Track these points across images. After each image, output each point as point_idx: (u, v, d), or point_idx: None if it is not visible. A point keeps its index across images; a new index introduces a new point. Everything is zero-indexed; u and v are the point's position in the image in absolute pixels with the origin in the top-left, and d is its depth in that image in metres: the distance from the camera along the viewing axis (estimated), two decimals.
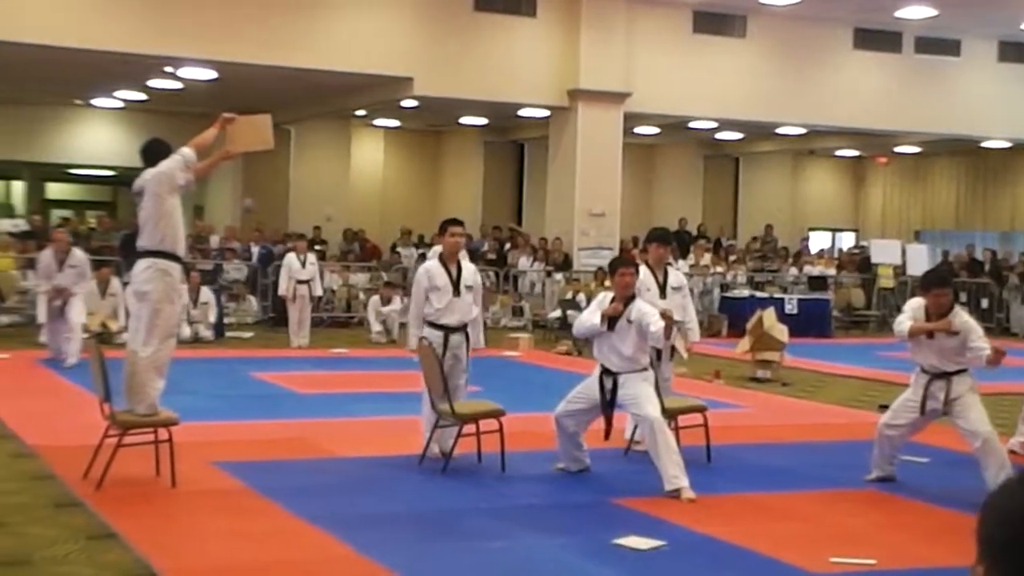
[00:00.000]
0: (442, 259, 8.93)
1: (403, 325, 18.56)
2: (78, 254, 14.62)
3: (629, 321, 8.09)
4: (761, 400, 13.07)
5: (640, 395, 8.03)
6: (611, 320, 8.14)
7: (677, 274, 9.76)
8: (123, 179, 28.78)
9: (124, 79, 22.96)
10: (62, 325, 14.11)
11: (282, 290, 17.32)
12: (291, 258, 17.38)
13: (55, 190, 31.34)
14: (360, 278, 22.16)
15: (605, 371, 8.19)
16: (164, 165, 8.03)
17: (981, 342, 7.95)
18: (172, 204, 8.02)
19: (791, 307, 20.64)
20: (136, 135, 26.01)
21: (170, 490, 7.47)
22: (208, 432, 9.39)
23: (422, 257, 23.06)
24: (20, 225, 22.68)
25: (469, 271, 8.92)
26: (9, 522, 6.62)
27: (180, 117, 25.50)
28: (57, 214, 27.68)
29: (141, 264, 8.01)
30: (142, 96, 25.01)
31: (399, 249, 24.34)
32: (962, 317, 8.10)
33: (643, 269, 9.03)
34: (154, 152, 8.17)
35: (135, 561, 5.92)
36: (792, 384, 14.33)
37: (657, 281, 9.33)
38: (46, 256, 14.50)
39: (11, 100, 26.28)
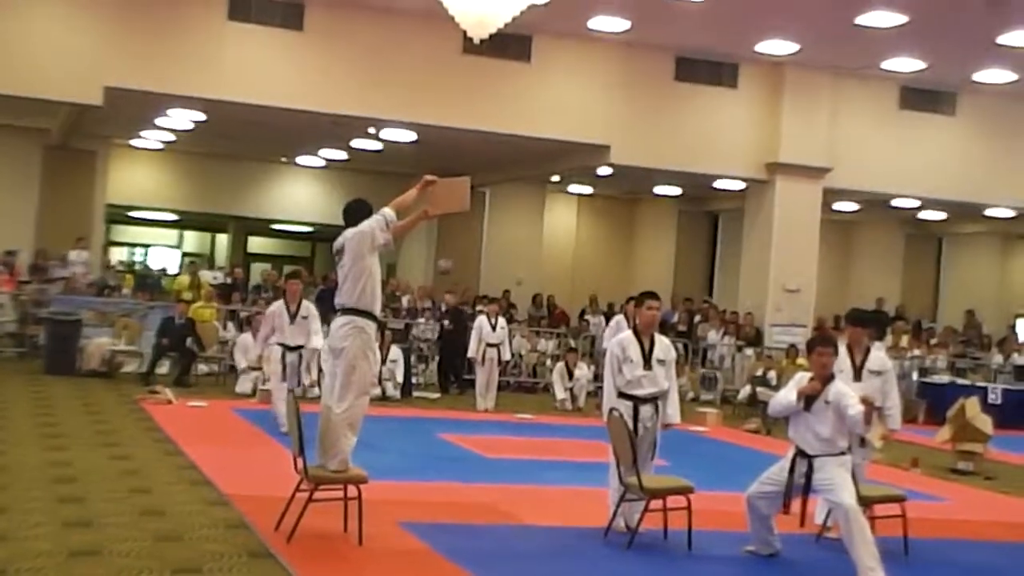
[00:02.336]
0: (636, 331, 8.90)
1: (590, 393, 18.74)
2: (309, 306, 13.50)
3: (827, 402, 7.91)
4: (963, 494, 12.54)
5: (836, 480, 7.81)
6: (808, 400, 7.96)
7: (880, 357, 9.41)
8: (320, 235, 29.77)
9: (329, 139, 23.83)
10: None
11: (472, 352, 17.53)
12: (482, 320, 17.58)
13: (256, 244, 32.58)
14: (549, 344, 22.22)
15: (800, 453, 8.00)
16: (365, 224, 8.19)
17: None
18: (371, 263, 8.18)
19: (995, 397, 19.80)
20: (336, 193, 27.04)
21: (357, 547, 7.55)
22: (395, 491, 9.48)
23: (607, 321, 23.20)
24: (219, 277, 23.59)
25: (662, 345, 8.81)
26: (206, 568, 6.82)
27: (379, 176, 26.30)
28: (258, 267, 28.70)
29: (339, 321, 8.19)
30: (344, 156, 25.85)
31: (588, 317, 24.35)
32: None
33: (841, 349, 8.78)
34: (356, 211, 8.34)
35: None
36: (997, 478, 13.71)
37: (853, 363, 9.08)
38: (277, 308, 13.35)
39: (223, 156, 27.56)
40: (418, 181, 8.58)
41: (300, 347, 13.02)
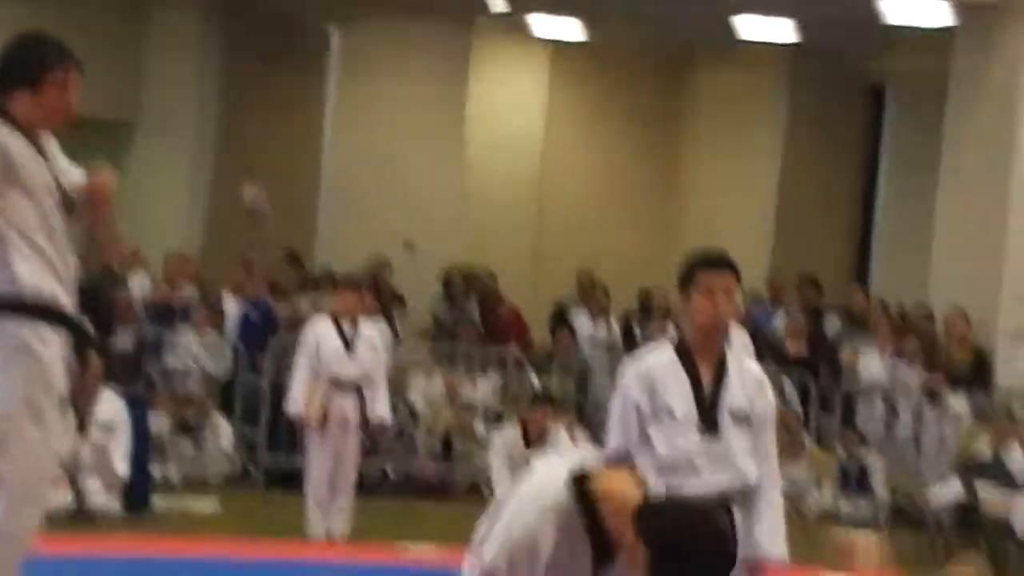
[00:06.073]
0: (684, 348, 8.81)
1: None
2: None
3: None
4: None
5: None
6: None
7: None
8: None
9: None
10: None
11: (296, 405, 17.63)
12: (323, 331, 17.75)
13: None
14: (482, 386, 22.51)
15: None
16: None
17: None
18: (48, 207, 8.12)
19: None
20: None
21: None
22: None
23: (628, 340, 23.21)
24: None
25: (745, 377, 8.90)
26: None
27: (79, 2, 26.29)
28: None
29: None
30: None
31: (575, 321, 24.63)
32: None
33: None
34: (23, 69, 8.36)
35: None
36: None
37: None
38: None
39: None
40: None
41: None
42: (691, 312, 8.87)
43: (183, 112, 27.35)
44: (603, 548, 6.15)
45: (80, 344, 8.32)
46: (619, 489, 6.14)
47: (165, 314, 22.50)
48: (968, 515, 18.10)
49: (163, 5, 27.17)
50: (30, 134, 8.09)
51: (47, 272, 8.19)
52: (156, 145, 27.52)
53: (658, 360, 8.88)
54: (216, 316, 22.59)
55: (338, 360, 17.35)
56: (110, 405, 17.94)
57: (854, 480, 21.73)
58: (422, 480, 21.41)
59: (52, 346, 8.15)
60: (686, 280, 8.87)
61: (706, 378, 8.76)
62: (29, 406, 8.03)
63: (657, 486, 8.48)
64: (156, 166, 27.71)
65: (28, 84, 8.17)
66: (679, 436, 8.65)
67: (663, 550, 6.02)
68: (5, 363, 8.01)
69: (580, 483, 6.17)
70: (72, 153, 8.23)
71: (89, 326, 8.77)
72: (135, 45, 26.47)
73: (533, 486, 6.41)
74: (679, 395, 8.68)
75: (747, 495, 8.75)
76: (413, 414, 21.57)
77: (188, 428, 21.05)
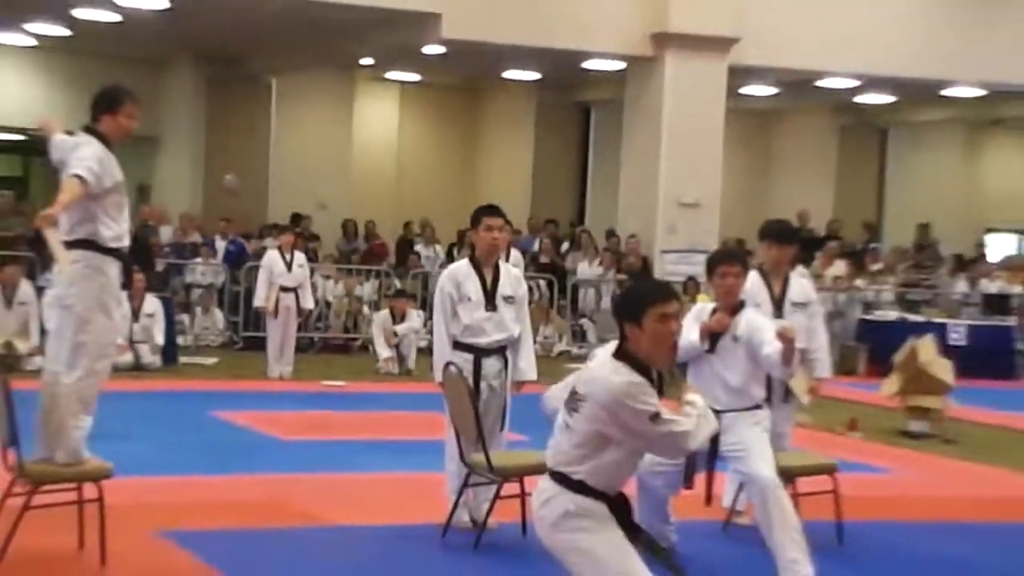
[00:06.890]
0: (475, 261, 9.02)
1: (423, 351, 18.88)
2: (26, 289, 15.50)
3: (736, 338, 8.03)
4: (915, 462, 12.97)
5: (749, 445, 7.90)
6: (713, 338, 8.09)
7: (803, 285, 9.60)
8: (36, 146, 28.83)
9: (40, 6, 22.99)
10: None
11: (260, 300, 17.69)
12: (273, 257, 17.75)
13: None
14: (366, 287, 22.45)
15: None
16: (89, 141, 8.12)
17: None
18: (122, 192, 8.16)
19: (958, 336, 20.52)
20: (55, 84, 26.37)
21: (99, 569, 7.46)
22: (154, 491, 9.44)
23: (450, 259, 23.30)
24: None
25: (510, 277, 9.06)
26: None
27: (116, 61, 25.69)
28: None
29: None
30: (64, 31, 25.02)
31: (418, 248, 24.56)
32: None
33: (753, 276, 8.95)
34: (106, 99, 8.24)
35: None
36: (958, 442, 14.17)
37: (771, 293, 9.25)
38: None
39: None
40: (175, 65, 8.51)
41: None
42: (478, 240, 9.08)
43: (185, 130, 27.05)
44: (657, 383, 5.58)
45: (127, 269, 8.34)
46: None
47: (181, 250, 22.43)
48: None
49: (173, 66, 26.92)
50: (110, 145, 8.05)
51: (116, 230, 8.21)
52: (170, 151, 27.26)
53: (460, 268, 9.08)
54: (212, 251, 22.52)
55: (283, 275, 17.47)
56: (151, 303, 17.84)
57: (579, 336, 21.99)
58: (334, 343, 21.48)
59: (114, 269, 8.18)
60: (475, 221, 9.14)
61: (489, 278, 8.94)
62: (100, 304, 8.06)
63: (464, 337, 8.73)
64: (171, 163, 27.41)
65: (111, 111, 8.09)
66: (475, 312, 8.85)
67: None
68: (88, 278, 7.99)
69: (623, 354, 5.51)
70: (121, 156, 8.16)
71: (131, 259, 8.78)
72: (156, 88, 26.13)
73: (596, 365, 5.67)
74: (473, 288, 8.89)
75: (513, 344, 8.93)
76: (327, 305, 21.64)
77: (197, 315, 21.13)
